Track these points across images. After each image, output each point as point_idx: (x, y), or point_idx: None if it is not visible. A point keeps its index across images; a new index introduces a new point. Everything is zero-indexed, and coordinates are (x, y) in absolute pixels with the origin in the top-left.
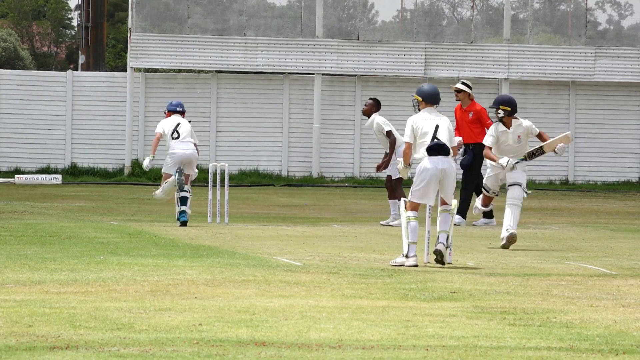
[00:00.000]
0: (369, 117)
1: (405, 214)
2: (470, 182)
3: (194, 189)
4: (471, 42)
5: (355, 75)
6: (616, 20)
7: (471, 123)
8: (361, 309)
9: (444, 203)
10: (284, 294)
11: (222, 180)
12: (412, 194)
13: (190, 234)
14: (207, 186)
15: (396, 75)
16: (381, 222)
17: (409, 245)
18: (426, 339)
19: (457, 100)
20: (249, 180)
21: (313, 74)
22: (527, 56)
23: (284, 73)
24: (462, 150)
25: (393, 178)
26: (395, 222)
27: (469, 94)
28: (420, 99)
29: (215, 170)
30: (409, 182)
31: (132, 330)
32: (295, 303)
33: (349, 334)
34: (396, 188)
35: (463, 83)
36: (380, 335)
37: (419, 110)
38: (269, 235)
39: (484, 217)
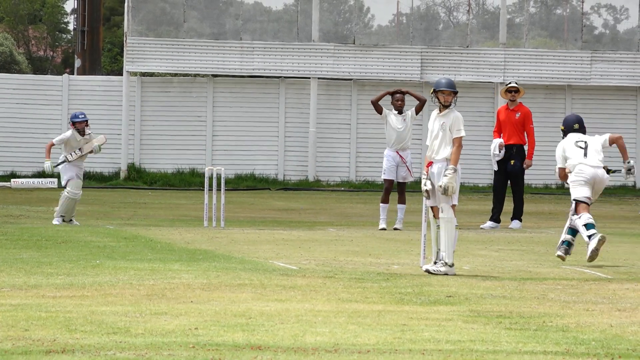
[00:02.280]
0: (402, 111)
1: (455, 221)
2: (522, 186)
3: (190, 192)
4: (467, 46)
5: (351, 79)
6: (612, 24)
7: (517, 124)
8: (357, 313)
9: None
10: (280, 298)
11: (218, 184)
12: (455, 198)
13: (186, 238)
14: (203, 190)
15: (392, 79)
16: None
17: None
18: (422, 343)
19: (511, 100)
20: (244, 184)
21: (309, 77)
22: (523, 60)
23: (280, 77)
24: (502, 151)
25: (405, 181)
26: (401, 225)
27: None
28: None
29: (211, 174)
30: (410, 187)
31: (128, 334)
32: (291, 307)
33: (345, 338)
34: (404, 192)
35: (516, 83)
36: (376, 339)
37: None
38: (265, 239)
39: (491, 220)
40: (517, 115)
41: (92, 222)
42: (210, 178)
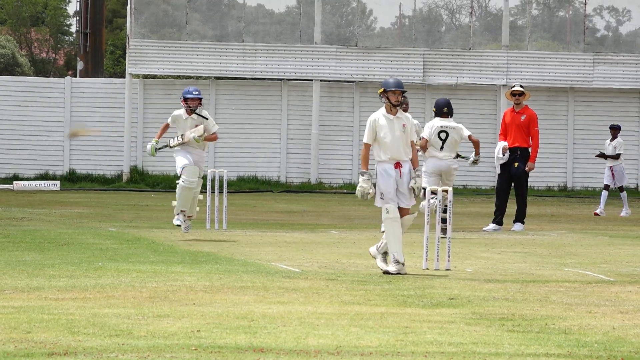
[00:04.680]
0: None
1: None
2: (525, 189)
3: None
4: (470, 49)
5: (353, 82)
6: (614, 26)
7: (522, 127)
8: (360, 315)
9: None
10: (283, 300)
11: (221, 186)
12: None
13: (188, 240)
14: (206, 192)
15: None
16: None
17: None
18: (425, 345)
19: (516, 103)
20: (247, 186)
21: (312, 80)
22: (526, 62)
23: (283, 79)
24: (507, 154)
25: None
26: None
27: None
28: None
29: (214, 177)
30: None
31: (131, 336)
32: (294, 309)
33: (348, 340)
34: None
35: (520, 86)
36: (378, 341)
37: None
38: (268, 241)
39: (493, 222)
40: (523, 117)
41: (95, 224)
42: (213, 180)
